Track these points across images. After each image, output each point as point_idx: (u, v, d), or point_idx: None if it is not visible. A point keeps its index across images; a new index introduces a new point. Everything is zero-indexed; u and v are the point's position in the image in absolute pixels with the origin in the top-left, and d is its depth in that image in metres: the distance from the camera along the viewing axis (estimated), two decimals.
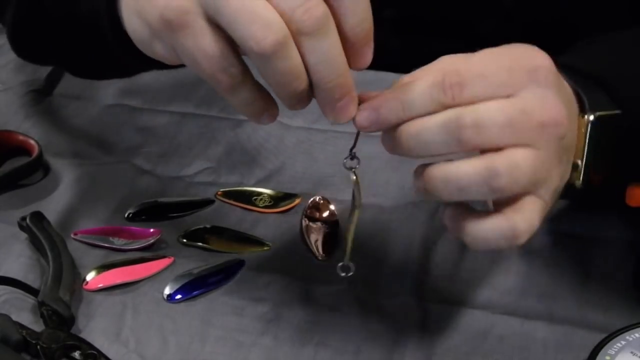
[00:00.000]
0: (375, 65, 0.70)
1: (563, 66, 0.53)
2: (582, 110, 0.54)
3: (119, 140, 0.79)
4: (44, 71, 0.87)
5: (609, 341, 0.55)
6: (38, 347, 0.56)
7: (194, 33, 0.48)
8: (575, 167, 0.54)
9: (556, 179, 0.50)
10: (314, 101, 0.85)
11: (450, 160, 0.48)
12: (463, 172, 0.47)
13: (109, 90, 0.85)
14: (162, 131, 0.80)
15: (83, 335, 0.59)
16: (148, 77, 0.85)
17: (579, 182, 0.55)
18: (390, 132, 0.50)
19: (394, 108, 0.49)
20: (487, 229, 0.48)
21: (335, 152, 0.74)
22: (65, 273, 0.62)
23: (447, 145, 0.47)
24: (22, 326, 0.58)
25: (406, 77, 0.50)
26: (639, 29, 0.65)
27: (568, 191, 0.55)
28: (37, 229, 0.65)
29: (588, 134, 0.54)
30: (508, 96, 0.48)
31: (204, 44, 0.48)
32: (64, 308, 0.59)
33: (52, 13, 0.66)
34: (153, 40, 0.52)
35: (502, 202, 0.49)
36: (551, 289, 0.61)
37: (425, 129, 0.48)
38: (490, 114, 0.47)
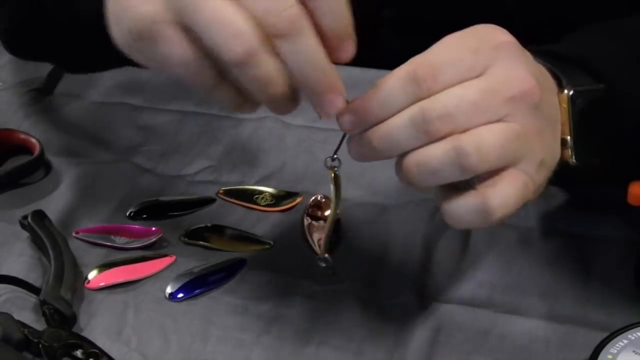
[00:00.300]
0: (375, 65, 0.70)
1: (539, 52, 0.54)
2: (561, 87, 0.55)
3: (119, 138, 0.79)
4: (45, 70, 0.87)
5: (610, 340, 0.55)
6: (40, 345, 0.56)
7: (165, 41, 0.47)
8: (565, 143, 0.54)
9: (539, 151, 0.50)
10: None
11: None
12: (432, 155, 0.47)
13: (110, 89, 0.85)
14: (163, 130, 0.80)
15: (84, 334, 0.59)
16: (148, 76, 0.85)
17: (572, 159, 0.55)
18: (358, 138, 0.50)
19: (372, 108, 0.49)
20: (459, 205, 0.48)
21: None
22: (67, 271, 0.62)
23: (418, 139, 0.48)
24: (23, 325, 0.58)
25: (380, 79, 0.50)
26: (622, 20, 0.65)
27: (567, 173, 0.55)
28: (39, 228, 0.65)
29: (570, 108, 0.54)
30: (477, 76, 0.48)
31: (176, 51, 0.47)
32: (66, 307, 0.59)
33: (52, 15, 0.66)
34: (131, 48, 0.52)
35: (484, 179, 0.49)
36: (552, 288, 0.61)
37: (394, 128, 0.48)
38: (455, 101, 0.47)
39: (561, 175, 0.54)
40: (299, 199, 0.70)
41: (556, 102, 0.54)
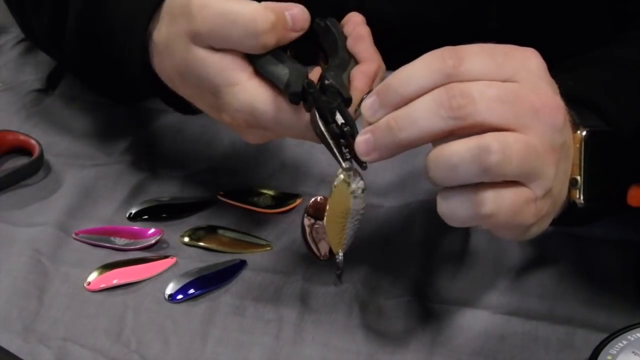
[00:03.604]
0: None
1: None
2: (574, 126, 0.54)
3: (120, 140, 0.79)
4: (45, 71, 0.87)
5: (610, 341, 0.55)
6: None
7: None
8: (574, 183, 0.54)
9: (552, 178, 0.49)
10: None
11: None
12: (454, 150, 0.47)
13: None
14: (164, 130, 0.80)
15: (84, 334, 0.59)
16: None
17: (579, 200, 0.54)
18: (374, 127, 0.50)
19: (395, 84, 0.49)
20: (453, 201, 0.49)
21: None
22: (350, 67, 0.58)
23: (440, 117, 0.47)
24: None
25: None
26: (618, 50, 0.65)
27: (571, 213, 0.54)
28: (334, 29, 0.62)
29: (583, 149, 0.54)
30: (503, 80, 0.48)
31: None
32: (345, 89, 0.55)
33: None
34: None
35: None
36: (552, 288, 0.61)
37: (416, 105, 0.48)
38: (480, 88, 0.47)
39: (563, 216, 0.54)
40: (298, 201, 0.70)
41: (572, 140, 0.53)
